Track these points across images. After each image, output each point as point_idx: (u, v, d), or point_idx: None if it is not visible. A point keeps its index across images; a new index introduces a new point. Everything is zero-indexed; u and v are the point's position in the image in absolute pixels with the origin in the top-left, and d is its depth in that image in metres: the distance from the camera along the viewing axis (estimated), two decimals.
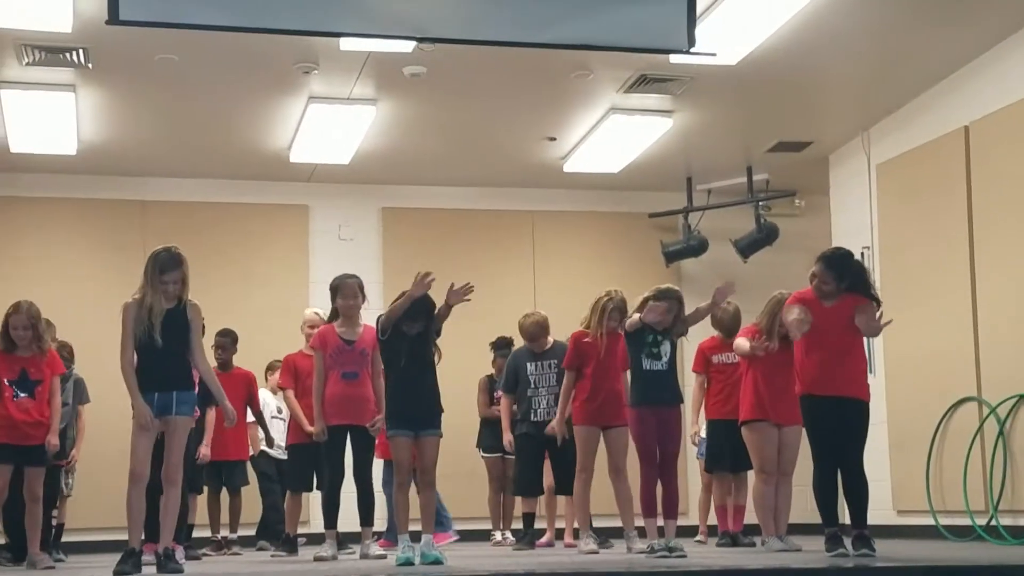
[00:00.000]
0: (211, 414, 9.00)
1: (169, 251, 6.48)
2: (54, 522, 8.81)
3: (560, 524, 9.42)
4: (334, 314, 7.84)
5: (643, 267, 11.75)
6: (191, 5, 7.18)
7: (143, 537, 6.56)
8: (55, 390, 7.85)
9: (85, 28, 8.36)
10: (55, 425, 7.83)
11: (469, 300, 7.09)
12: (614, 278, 9.14)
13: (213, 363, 9.43)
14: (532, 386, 8.83)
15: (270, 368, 10.14)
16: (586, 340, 7.85)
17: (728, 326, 8.78)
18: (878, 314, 6.83)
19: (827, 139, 11.43)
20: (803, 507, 8.42)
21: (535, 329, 8.88)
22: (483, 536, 10.19)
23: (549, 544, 9.20)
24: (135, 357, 6.46)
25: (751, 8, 8.33)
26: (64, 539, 9.40)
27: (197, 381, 6.84)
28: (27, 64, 9.14)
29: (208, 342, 9.39)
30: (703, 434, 9.34)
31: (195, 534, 9.38)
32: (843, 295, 6.86)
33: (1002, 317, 9.31)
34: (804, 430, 7.36)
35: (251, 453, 9.98)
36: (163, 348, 6.41)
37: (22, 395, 7.64)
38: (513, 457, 9.29)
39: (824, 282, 6.85)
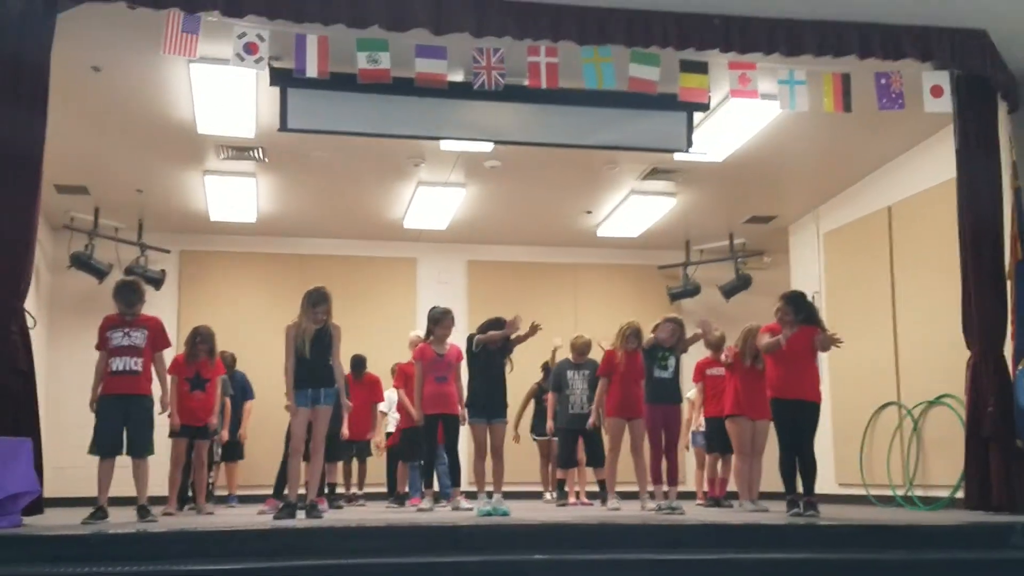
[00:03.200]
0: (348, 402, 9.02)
1: (320, 290, 6.54)
2: (210, 480, 8.81)
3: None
4: (429, 334, 7.75)
5: (654, 305, 11.62)
6: (337, 118, 7.30)
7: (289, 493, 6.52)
8: (218, 386, 7.96)
9: (263, 134, 8.51)
10: (216, 409, 7.92)
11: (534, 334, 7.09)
12: (633, 313, 9.07)
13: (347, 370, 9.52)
14: (570, 388, 8.75)
15: (393, 372, 10.15)
16: (615, 358, 7.77)
17: (715, 346, 8.76)
18: (829, 335, 6.73)
19: (788, 214, 11.31)
20: (769, 480, 8.28)
21: (584, 347, 8.80)
22: (535, 496, 10.11)
23: (574, 504, 9.00)
24: (294, 363, 6.49)
25: (733, 121, 8.31)
26: (239, 494, 9.49)
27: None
28: (223, 159, 9.30)
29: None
30: (703, 428, 9.21)
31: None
32: (799, 327, 6.78)
33: (915, 345, 9.14)
34: (772, 424, 7.26)
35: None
36: (311, 358, 6.45)
37: (195, 390, 7.77)
38: (556, 439, 9.21)
39: (785, 314, 6.79)
